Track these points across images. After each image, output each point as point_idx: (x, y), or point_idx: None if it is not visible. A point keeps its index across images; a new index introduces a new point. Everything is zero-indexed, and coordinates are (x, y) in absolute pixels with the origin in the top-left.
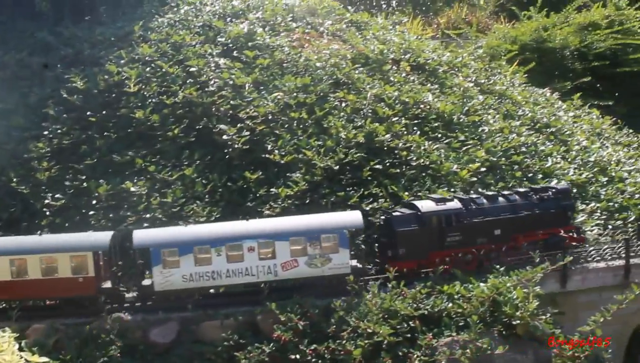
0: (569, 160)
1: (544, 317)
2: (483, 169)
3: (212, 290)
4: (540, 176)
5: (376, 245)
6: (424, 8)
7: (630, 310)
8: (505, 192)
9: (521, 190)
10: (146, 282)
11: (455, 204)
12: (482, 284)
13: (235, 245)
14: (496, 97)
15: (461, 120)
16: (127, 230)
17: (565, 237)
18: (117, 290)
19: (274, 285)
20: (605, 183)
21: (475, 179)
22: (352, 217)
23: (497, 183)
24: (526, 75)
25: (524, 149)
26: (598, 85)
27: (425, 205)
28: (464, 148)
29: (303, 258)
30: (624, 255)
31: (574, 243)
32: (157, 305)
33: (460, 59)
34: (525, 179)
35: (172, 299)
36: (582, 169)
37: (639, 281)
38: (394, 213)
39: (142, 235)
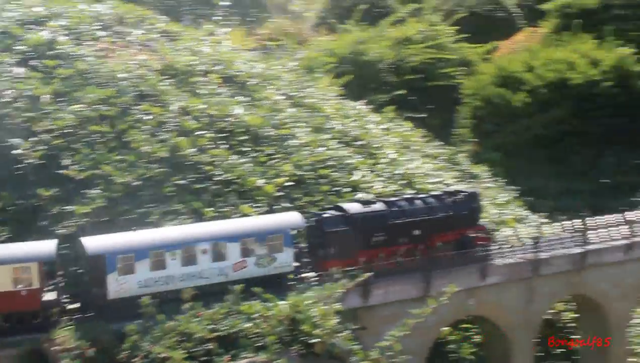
0: (377, 172)
1: (343, 333)
2: (290, 183)
3: None
4: (347, 189)
5: (306, 246)
6: (250, 19)
7: (430, 322)
8: (422, 195)
9: (436, 193)
10: (95, 290)
11: (380, 206)
12: (281, 303)
13: (189, 248)
14: (307, 110)
15: (270, 133)
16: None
17: (474, 236)
18: (59, 301)
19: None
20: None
21: (281, 193)
22: (295, 218)
23: (303, 197)
24: (343, 87)
25: (331, 163)
26: (413, 97)
27: (353, 207)
28: (271, 162)
29: (252, 259)
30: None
31: (481, 242)
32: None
33: (273, 71)
34: (331, 192)
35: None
36: (389, 181)
37: (437, 294)
38: (324, 215)
39: (95, 242)
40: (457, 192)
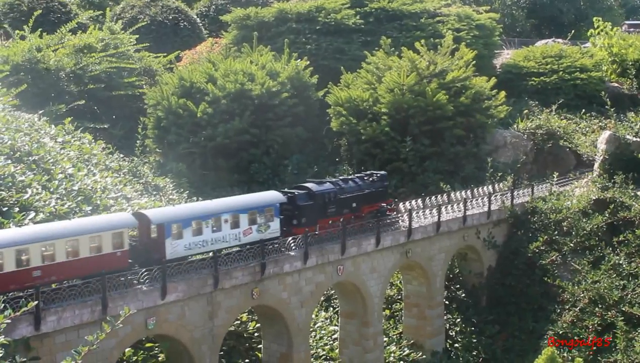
0: (52, 190)
1: None
2: None
3: None
4: (17, 209)
5: (281, 217)
6: None
7: (109, 346)
8: (351, 177)
9: (359, 175)
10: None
11: (330, 186)
12: None
13: (217, 218)
14: None
15: None
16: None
17: (387, 207)
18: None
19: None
20: (89, 212)
21: None
22: (279, 195)
23: None
24: (19, 98)
25: None
26: (95, 107)
27: (314, 186)
28: None
29: (255, 226)
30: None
31: (389, 213)
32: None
33: None
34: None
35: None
36: (65, 198)
37: (112, 317)
38: (296, 193)
39: (157, 214)
40: (372, 173)
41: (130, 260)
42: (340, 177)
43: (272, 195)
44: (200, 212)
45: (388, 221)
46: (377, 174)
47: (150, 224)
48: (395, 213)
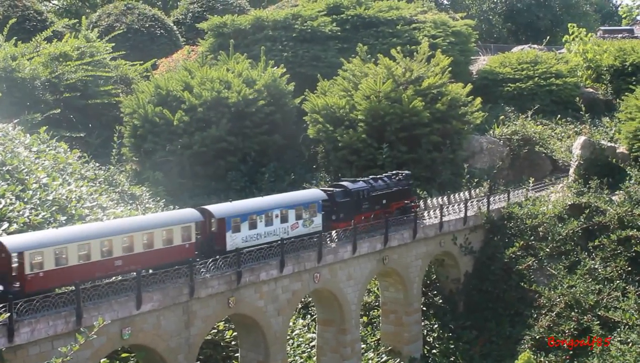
0: (25, 200)
1: None
2: None
3: None
4: None
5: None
6: None
7: (84, 357)
8: (380, 176)
9: (387, 174)
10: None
11: (364, 184)
12: None
13: (269, 213)
14: None
15: None
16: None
17: (412, 204)
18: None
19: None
20: (64, 222)
21: None
22: (321, 192)
23: None
24: None
25: None
26: (71, 116)
27: (349, 185)
28: None
29: (301, 221)
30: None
31: (414, 209)
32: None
33: None
34: None
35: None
36: (39, 208)
37: (86, 328)
38: (334, 191)
39: (219, 209)
40: (398, 173)
41: (195, 252)
42: (371, 176)
43: (315, 193)
44: (255, 207)
45: (411, 217)
46: (402, 173)
47: (212, 218)
48: (416, 209)
